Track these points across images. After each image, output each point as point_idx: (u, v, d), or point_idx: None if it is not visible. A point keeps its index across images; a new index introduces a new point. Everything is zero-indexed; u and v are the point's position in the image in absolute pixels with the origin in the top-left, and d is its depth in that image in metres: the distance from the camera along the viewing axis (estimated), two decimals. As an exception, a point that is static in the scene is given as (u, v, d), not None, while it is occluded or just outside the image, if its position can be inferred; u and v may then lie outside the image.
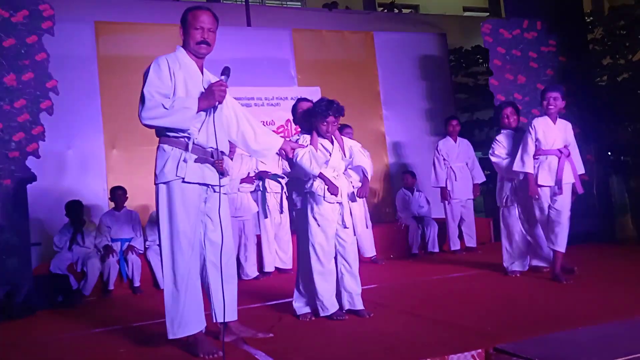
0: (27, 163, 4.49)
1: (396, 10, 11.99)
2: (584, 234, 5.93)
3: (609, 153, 7.61)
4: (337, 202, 3.48)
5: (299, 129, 3.77)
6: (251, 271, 5.47)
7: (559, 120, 4.27)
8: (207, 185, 2.81)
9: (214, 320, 2.93)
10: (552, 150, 4.22)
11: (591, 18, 9.38)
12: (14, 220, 4.39)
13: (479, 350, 2.38)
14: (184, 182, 2.72)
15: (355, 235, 3.64)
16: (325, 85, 7.30)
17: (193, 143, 2.73)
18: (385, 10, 12.04)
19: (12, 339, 3.59)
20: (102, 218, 5.44)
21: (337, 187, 3.42)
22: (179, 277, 2.74)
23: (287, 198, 4.10)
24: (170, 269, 2.75)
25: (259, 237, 5.63)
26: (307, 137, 3.55)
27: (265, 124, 6.95)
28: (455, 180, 6.11)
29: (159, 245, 2.86)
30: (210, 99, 2.73)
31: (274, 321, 3.40)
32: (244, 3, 8.08)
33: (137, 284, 5.19)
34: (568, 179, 4.22)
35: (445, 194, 6.12)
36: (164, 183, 2.74)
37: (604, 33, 9.24)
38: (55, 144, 5.53)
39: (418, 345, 2.58)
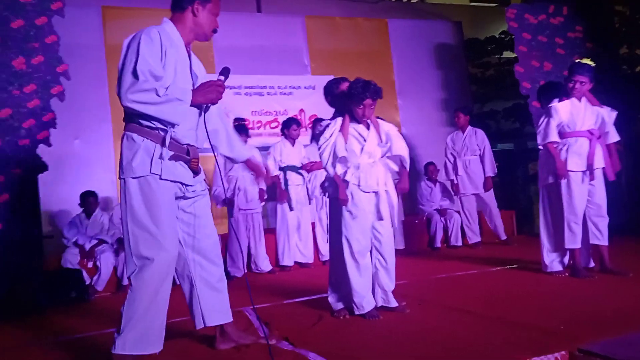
0: (37, 151, 4.24)
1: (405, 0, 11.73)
2: (612, 226, 5.70)
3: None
4: (373, 192, 3.25)
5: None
6: (264, 265, 5.28)
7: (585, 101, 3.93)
8: (180, 183, 2.47)
9: (202, 325, 2.59)
10: (582, 131, 3.92)
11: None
12: (23, 212, 4.15)
13: (563, 352, 2.14)
14: (160, 179, 2.37)
15: (393, 227, 3.40)
16: (339, 73, 6.79)
17: (170, 137, 2.38)
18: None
19: (17, 340, 3.29)
20: (115, 210, 5.23)
21: (346, 199, 3.17)
22: (149, 280, 2.34)
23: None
24: (137, 269, 2.35)
25: (273, 230, 5.44)
26: (339, 120, 3.30)
27: (278, 113, 6.76)
28: (465, 173, 5.94)
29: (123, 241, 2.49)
30: (207, 97, 2.42)
31: (314, 318, 3.17)
32: (253, -13, 7.81)
33: (152, 279, 4.95)
34: (599, 163, 3.93)
35: (455, 188, 5.98)
36: (134, 178, 2.37)
37: (619, 22, 9.00)
38: (62, 132, 5.18)
39: (484, 347, 2.34)
